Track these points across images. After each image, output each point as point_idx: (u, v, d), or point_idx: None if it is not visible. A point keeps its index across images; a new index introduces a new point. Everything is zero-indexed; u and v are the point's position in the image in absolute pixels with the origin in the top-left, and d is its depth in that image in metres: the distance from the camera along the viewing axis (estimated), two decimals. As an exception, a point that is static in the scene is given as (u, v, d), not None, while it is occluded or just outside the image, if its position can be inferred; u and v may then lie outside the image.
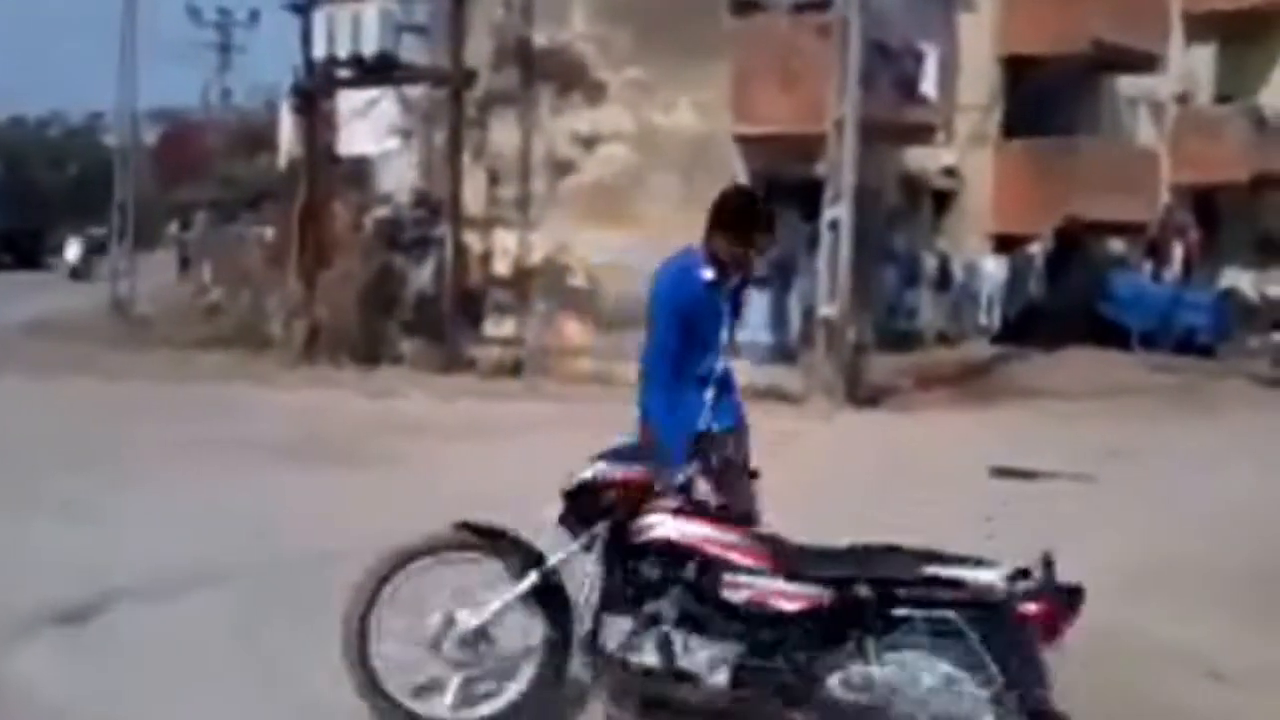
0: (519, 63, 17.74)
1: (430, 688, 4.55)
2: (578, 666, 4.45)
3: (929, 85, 17.03)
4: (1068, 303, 21.03)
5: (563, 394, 14.36)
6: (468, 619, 4.41)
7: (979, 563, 4.03)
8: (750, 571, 4.12)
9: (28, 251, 37.67)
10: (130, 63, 22.95)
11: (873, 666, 3.96)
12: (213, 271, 23.67)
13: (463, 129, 17.37)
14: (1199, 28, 24.83)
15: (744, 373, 5.53)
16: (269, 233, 21.17)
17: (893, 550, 4.14)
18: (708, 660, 4.12)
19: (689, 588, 4.16)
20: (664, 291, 4.72)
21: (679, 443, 4.60)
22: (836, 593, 4.02)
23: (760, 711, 4.11)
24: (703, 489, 4.51)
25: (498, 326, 17.80)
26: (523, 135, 17.70)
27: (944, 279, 20.55)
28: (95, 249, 35.00)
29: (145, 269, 24.34)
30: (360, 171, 19.35)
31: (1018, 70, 20.99)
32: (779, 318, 16.76)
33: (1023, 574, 3.96)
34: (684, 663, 4.14)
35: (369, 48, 17.05)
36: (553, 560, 4.41)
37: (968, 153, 20.44)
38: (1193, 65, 25.25)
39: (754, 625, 4.10)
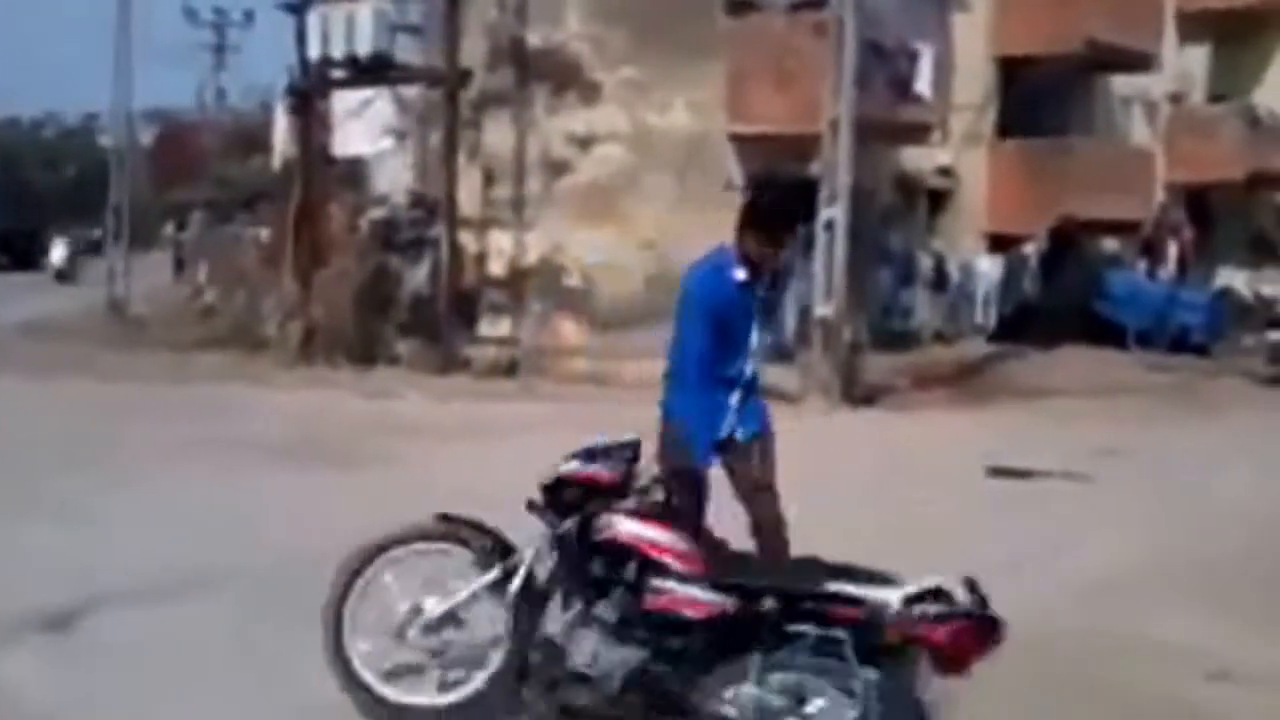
0: (514, 63, 17.72)
1: (401, 675, 4.63)
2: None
3: (924, 85, 17.05)
4: (1063, 302, 21.06)
5: (558, 394, 14.36)
6: (434, 607, 4.49)
7: (888, 580, 3.85)
8: (676, 576, 4.08)
9: (23, 253, 37.67)
10: (125, 63, 22.94)
11: (749, 685, 3.85)
12: (208, 272, 23.66)
13: (458, 129, 17.35)
14: (1193, 27, 24.84)
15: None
16: (264, 233, 21.13)
17: (810, 561, 4.07)
18: (607, 664, 4.10)
19: (629, 589, 4.17)
20: (696, 291, 4.64)
21: (702, 442, 4.54)
22: (741, 603, 3.92)
23: None
24: (661, 494, 4.48)
25: (493, 327, 17.78)
26: (517, 135, 17.69)
27: (939, 278, 20.57)
28: (82, 250, 35.00)
29: (141, 270, 24.32)
30: (355, 172, 19.33)
31: (1012, 70, 21.00)
32: (774, 317, 16.77)
33: (935, 595, 3.74)
34: (581, 664, 4.14)
35: (363, 48, 17.03)
36: (520, 552, 4.45)
37: (962, 152, 20.44)
38: (1187, 65, 25.26)
39: (663, 632, 4.07)
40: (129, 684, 5.04)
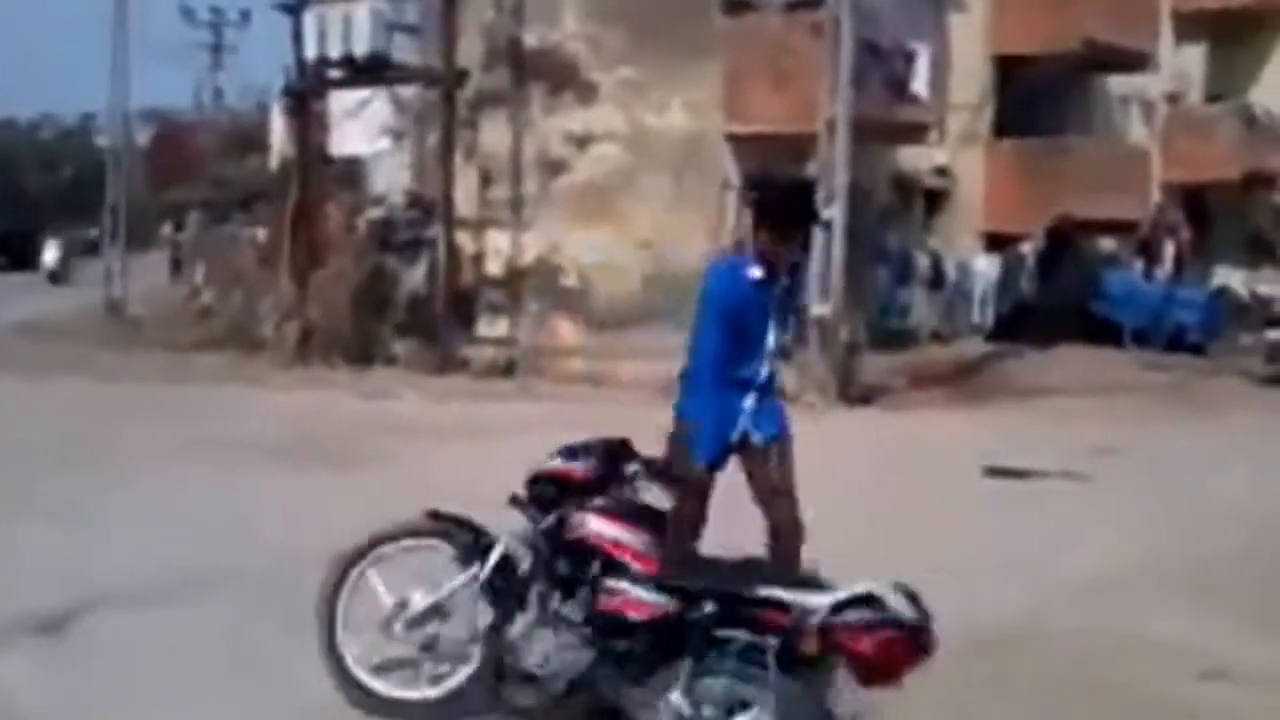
0: (510, 63, 17.72)
1: (391, 669, 4.69)
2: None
3: (920, 84, 17.05)
4: (1060, 301, 21.07)
5: (555, 394, 14.34)
6: (418, 602, 4.55)
7: (820, 586, 3.77)
8: (630, 577, 4.07)
9: (20, 253, 37.63)
10: (122, 63, 22.93)
11: (675, 693, 3.81)
12: (205, 272, 23.60)
13: (455, 129, 17.34)
14: (1189, 27, 24.87)
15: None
16: (261, 234, 21.11)
17: (754, 564, 4.06)
18: (557, 665, 4.11)
19: (592, 588, 4.19)
20: (714, 290, 4.57)
21: (708, 443, 4.49)
22: (682, 605, 3.88)
23: None
24: (652, 492, 4.48)
25: (490, 327, 17.78)
26: (514, 135, 17.68)
27: (937, 278, 20.58)
28: (76, 250, 34.97)
29: (138, 270, 24.29)
30: (352, 172, 19.33)
31: (1009, 69, 21.01)
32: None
33: (866, 602, 3.62)
34: (533, 664, 4.15)
35: (360, 48, 17.04)
36: (501, 548, 4.47)
37: (959, 152, 20.45)
38: (1183, 64, 25.29)
39: (612, 634, 4.06)
40: (124, 686, 5.03)
